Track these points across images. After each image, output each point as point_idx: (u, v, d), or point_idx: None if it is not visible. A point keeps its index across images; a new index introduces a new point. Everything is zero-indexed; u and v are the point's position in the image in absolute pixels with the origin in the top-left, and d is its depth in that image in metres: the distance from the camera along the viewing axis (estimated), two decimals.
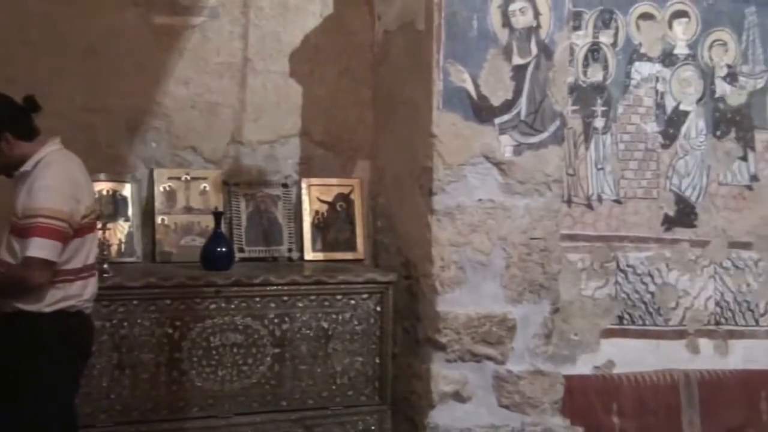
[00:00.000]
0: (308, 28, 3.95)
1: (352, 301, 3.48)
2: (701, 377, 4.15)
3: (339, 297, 3.46)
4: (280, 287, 3.38)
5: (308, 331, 3.42)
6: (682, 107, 4.21)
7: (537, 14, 3.52)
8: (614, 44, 4.12)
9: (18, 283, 2.59)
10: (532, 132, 3.54)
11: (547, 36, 3.54)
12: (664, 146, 4.19)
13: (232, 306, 3.33)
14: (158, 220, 3.71)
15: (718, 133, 4.26)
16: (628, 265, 4.13)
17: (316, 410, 3.43)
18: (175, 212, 3.74)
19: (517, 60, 3.51)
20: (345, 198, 4.00)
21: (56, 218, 2.57)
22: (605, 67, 4.11)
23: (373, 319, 3.50)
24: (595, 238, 4.10)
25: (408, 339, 3.65)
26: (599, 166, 4.11)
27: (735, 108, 4.27)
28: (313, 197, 3.95)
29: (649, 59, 4.16)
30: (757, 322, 4.30)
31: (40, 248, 2.55)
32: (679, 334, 4.20)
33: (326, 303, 3.44)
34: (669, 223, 4.19)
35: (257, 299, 3.36)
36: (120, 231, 3.64)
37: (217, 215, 3.54)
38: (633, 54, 4.14)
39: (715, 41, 4.23)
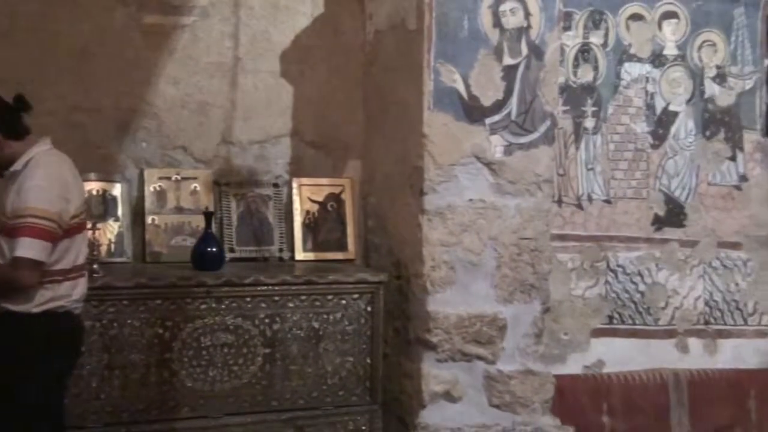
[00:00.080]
0: (299, 27, 3.95)
1: (343, 301, 3.48)
2: (690, 376, 4.17)
3: (330, 297, 3.46)
4: (270, 287, 3.38)
5: (299, 331, 3.41)
6: (671, 108, 4.23)
7: (527, 15, 3.53)
8: (604, 45, 4.13)
9: (6, 283, 2.58)
10: (523, 132, 3.55)
11: (538, 36, 3.55)
12: (654, 146, 4.20)
13: (223, 306, 3.32)
14: (148, 220, 3.71)
15: (708, 133, 4.28)
16: (618, 265, 4.15)
17: (306, 410, 3.43)
18: (165, 212, 3.73)
19: (507, 60, 3.52)
20: (336, 198, 4.00)
21: (45, 218, 2.56)
22: (595, 68, 4.12)
23: (364, 319, 3.50)
24: (585, 238, 4.11)
25: (399, 339, 3.65)
26: (589, 167, 4.13)
27: (724, 108, 4.29)
28: (303, 197, 3.95)
29: (639, 60, 4.18)
30: (745, 321, 4.32)
31: (29, 248, 2.54)
32: (669, 334, 4.22)
33: (317, 303, 3.44)
34: (658, 223, 4.21)
35: (248, 299, 3.35)
36: (110, 231, 3.63)
37: (208, 215, 3.53)
38: (623, 54, 4.16)
39: (704, 42, 4.25)
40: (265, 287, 3.37)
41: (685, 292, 4.24)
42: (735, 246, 4.30)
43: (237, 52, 3.87)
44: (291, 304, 3.40)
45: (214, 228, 3.57)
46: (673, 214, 4.23)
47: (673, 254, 4.22)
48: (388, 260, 3.75)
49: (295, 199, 3.93)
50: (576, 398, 3.98)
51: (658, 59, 4.20)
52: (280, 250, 3.86)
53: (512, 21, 3.52)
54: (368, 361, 3.50)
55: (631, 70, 4.17)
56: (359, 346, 3.49)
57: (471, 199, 3.50)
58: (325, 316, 3.45)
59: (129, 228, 3.69)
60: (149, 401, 3.23)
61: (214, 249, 3.48)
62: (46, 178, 2.63)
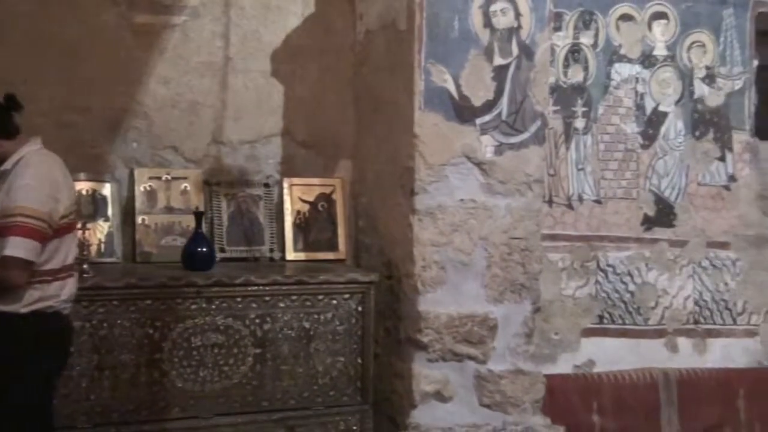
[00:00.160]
0: (290, 27, 3.95)
1: (334, 301, 3.48)
2: (680, 376, 4.19)
3: (321, 297, 3.46)
4: (261, 287, 3.37)
5: (290, 331, 3.41)
6: (661, 108, 4.24)
7: (518, 15, 3.54)
8: (594, 45, 4.15)
9: None
10: (513, 132, 3.55)
11: (528, 37, 3.56)
12: (644, 147, 4.22)
13: (213, 306, 3.31)
14: (138, 220, 3.69)
15: (697, 133, 4.30)
16: (608, 265, 4.16)
17: (297, 410, 3.42)
18: (155, 212, 3.72)
19: (498, 60, 3.52)
20: (327, 198, 4.00)
21: (35, 218, 2.55)
22: (586, 68, 4.14)
23: (355, 319, 3.50)
24: (576, 237, 4.12)
25: (390, 339, 3.65)
26: (580, 167, 4.14)
27: (713, 109, 4.31)
28: (294, 197, 3.94)
29: (629, 60, 4.20)
30: (734, 321, 4.34)
31: (18, 248, 2.52)
32: (659, 333, 4.24)
33: (308, 303, 3.44)
34: (648, 222, 4.23)
35: (238, 299, 3.35)
36: (100, 231, 3.62)
37: (198, 215, 3.52)
38: (613, 55, 4.17)
39: (693, 43, 4.27)
40: (256, 287, 3.37)
41: (675, 292, 4.26)
42: (724, 246, 4.33)
43: (228, 51, 3.86)
44: (282, 304, 3.40)
45: (204, 228, 3.56)
46: (663, 214, 4.24)
47: (663, 254, 4.24)
48: (379, 260, 3.75)
49: (286, 199, 3.92)
50: (566, 398, 3.99)
51: (647, 60, 4.22)
52: (271, 250, 3.86)
53: (503, 21, 3.52)
54: (359, 361, 3.50)
55: (621, 70, 4.18)
56: (350, 346, 3.49)
57: (462, 199, 3.50)
58: (316, 316, 3.45)
59: (119, 228, 3.67)
60: (139, 402, 3.22)
61: (204, 249, 3.47)
62: (36, 177, 2.62)
